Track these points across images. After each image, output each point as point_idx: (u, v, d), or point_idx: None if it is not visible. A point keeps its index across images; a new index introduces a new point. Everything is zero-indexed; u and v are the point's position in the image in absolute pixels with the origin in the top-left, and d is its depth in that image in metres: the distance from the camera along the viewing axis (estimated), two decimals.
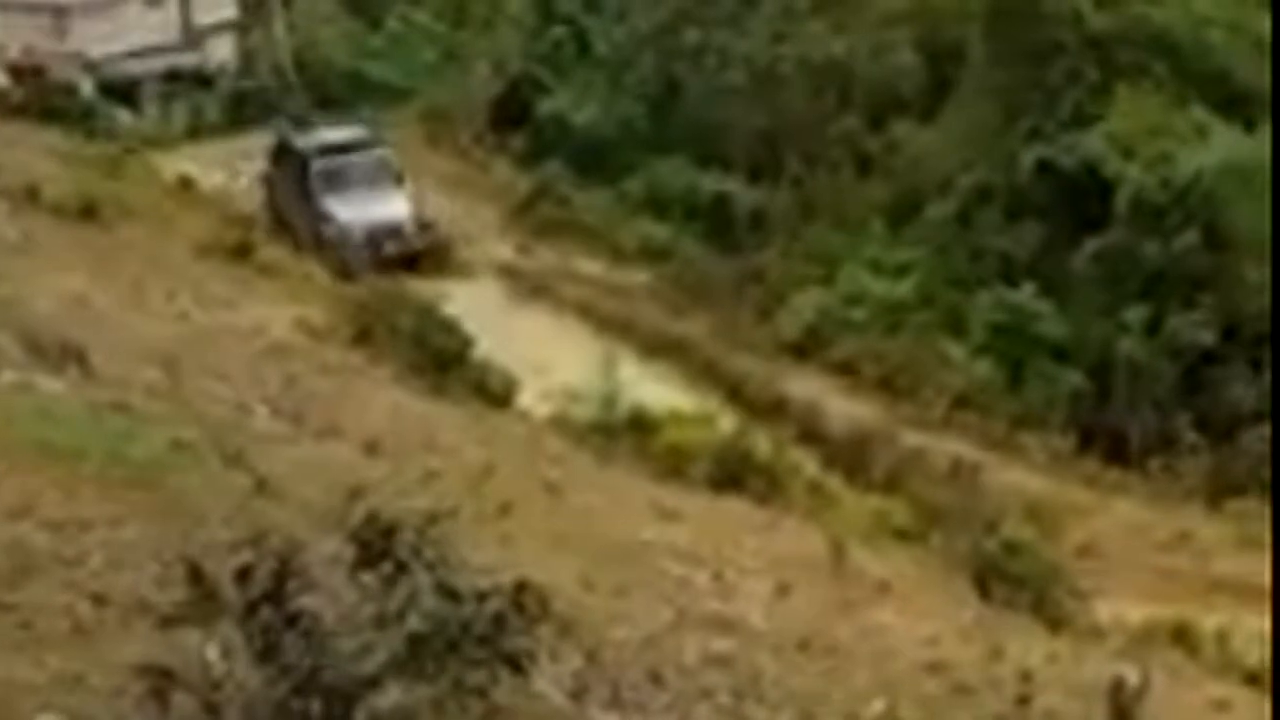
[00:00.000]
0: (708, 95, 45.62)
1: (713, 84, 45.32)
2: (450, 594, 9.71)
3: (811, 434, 35.73)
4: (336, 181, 41.91)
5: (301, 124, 44.94)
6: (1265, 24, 43.13)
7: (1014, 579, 22.83)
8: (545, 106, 48.41)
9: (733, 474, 27.46)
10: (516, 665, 9.80)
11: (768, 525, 23.80)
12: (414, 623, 9.54)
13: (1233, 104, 40.98)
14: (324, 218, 41.51)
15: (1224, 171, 36.48)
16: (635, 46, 47.26)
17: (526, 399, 33.12)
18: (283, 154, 43.58)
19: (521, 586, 10.01)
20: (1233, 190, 36.35)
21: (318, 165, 42.17)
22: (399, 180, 42.71)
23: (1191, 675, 19.55)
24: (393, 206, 41.80)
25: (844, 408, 37.55)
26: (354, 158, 42.70)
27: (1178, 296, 36.71)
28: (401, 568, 9.75)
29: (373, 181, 42.09)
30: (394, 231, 41.40)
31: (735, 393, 37.38)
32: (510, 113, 49.54)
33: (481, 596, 9.82)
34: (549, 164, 46.80)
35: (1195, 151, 37.70)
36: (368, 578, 9.78)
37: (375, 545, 9.79)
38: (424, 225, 42.00)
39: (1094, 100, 40.93)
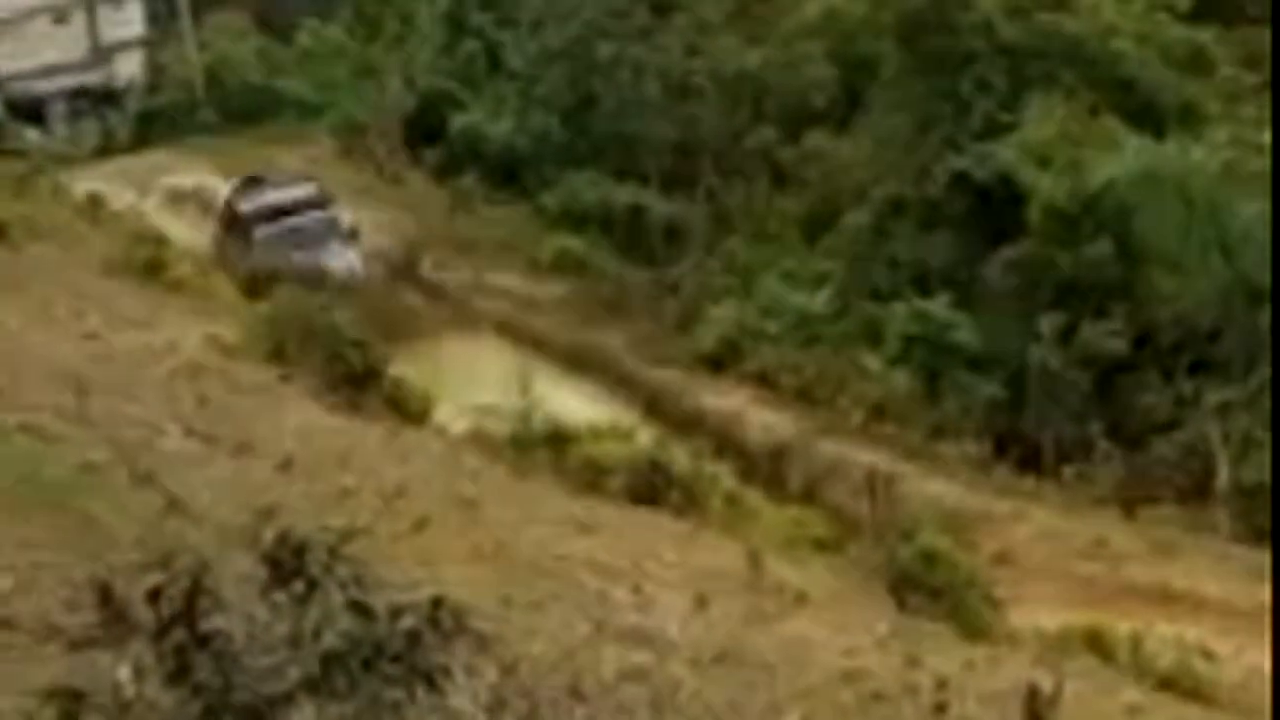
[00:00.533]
0: (622, 108, 45.69)
1: (627, 97, 45.40)
2: (364, 611, 9.63)
3: (729, 446, 35.80)
4: (283, 244, 40.42)
5: (248, 185, 43.34)
6: (1172, 33, 43.65)
7: (931, 588, 22.89)
8: (459, 121, 48.35)
9: (650, 487, 27.37)
10: (432, 682, 9.73)
11: (686, 538, 23.75)
12: (328, 641, 9.45)
13: (1142, 113, 41.38)
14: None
15: (1135, 181, 36.82)
16: (548, 60, 47.27)
17: (443, 414, 33.02)
18: (230, 217, 42.50)
19: (436, 602, 9.94)
20: (1143, 199, 36.69)
21: (261, 232, 41.06)
22: (349, 237, 41.72)
23: (1106, 681, 19.65)
24: (342, 264, 40.47)
25: (761, 419, 37.66)
26: (300, 219, 41.63)
27: (1090, 305, 37.03)
28: (314, 586, 9.66)
29: (321, 241, 40.90)
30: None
31: (653, 405, 37.42)
32: (424, 127, 49.44)
33: (396, 613, 9.74)
34: (463, 178, 46.73)
35: (1106, 161, 38.03)
36: (280, 596, 9.68)
37: (287, 564, 9.70)
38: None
39: (1006, 110, 41.25)
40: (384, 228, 45.98)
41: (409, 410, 33.49)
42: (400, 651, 9.57)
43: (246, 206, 42.23)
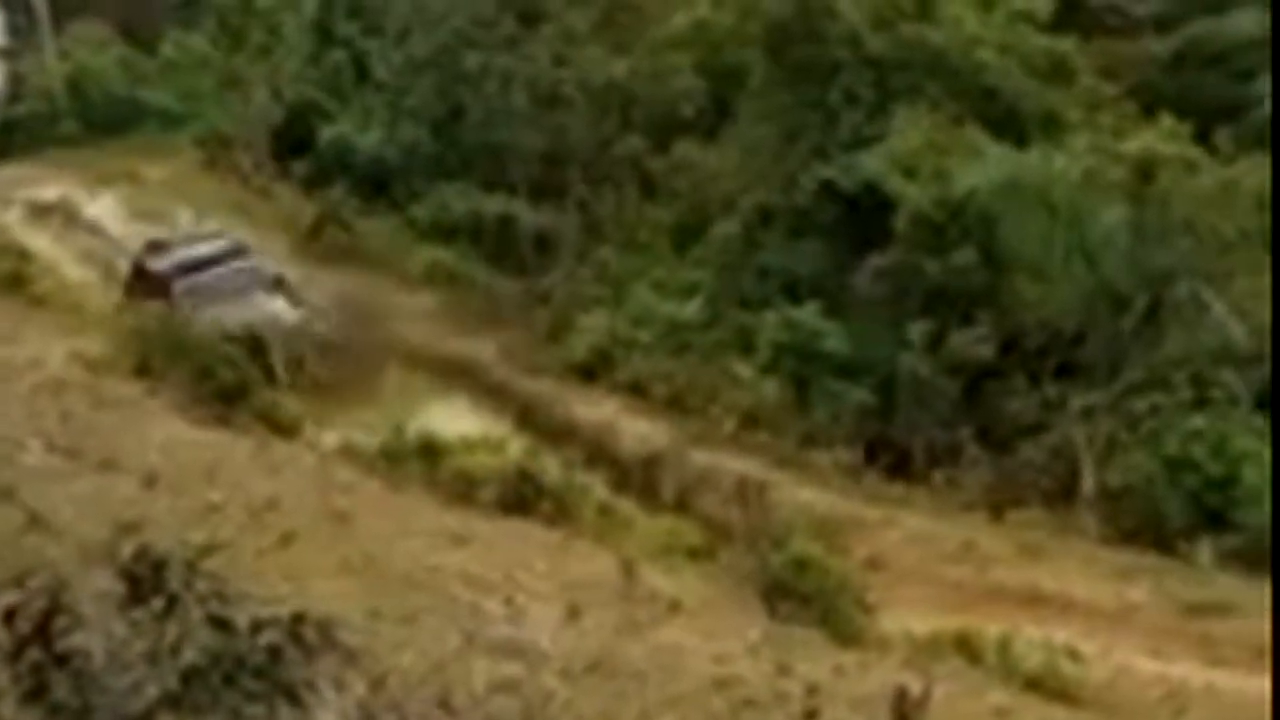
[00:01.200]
0: (490, 118, 45.55)
1: (495, 107, 45.26)
2: (224, 626, 9.53)
3: (602, 455, 35.85)
4: (205, 297, 38.29)
5: (155, 247, 40.97)
6: (1034, 44, 44.18)
7: (802, 594, 23.06)
8: (327, 132, 48.01)
9: (523, 498, 27.41)
10: (294, 697, 9.64)
11: (558, 548, 23.78)
12: (187, 657, 9.35)
13: (1005, 122, 41.83)
14: None
15: (998, 189, 37.21)
16: (415, 70, 47.02)
17: (315, 427, 32.83)
18: (141, 278, 40.02)
19: (299, 617, 9.85)
20: (1007, 207, 37.08)
21: (180, 286, 38.74)
22: (274, 286, 39.67)
23: (974, 683, 19.86)
24: (268, 312, 38.43)
25: (634, 428, 37.73)
26: (219, 270, 39.60)
27: (957, 312, 37.35)
28: (174, 601, 9.55)
29: (244, 293, 38.83)
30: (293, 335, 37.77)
31: (525, 416, 37.39)
32: (292, 138, 49.05)
33: (257, 628, 9.65)
34: (333, 190, 46.43)
35: (970, 170, 38.41)
36: (139, 613, 9.56)
37: (146, 580, 9.58)
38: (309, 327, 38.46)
39: (872, 120, 41.56)
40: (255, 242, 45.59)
41: (280, 423, 33.31)
42: (262, 666, 9.48)
43: (159, 264, 39.99)
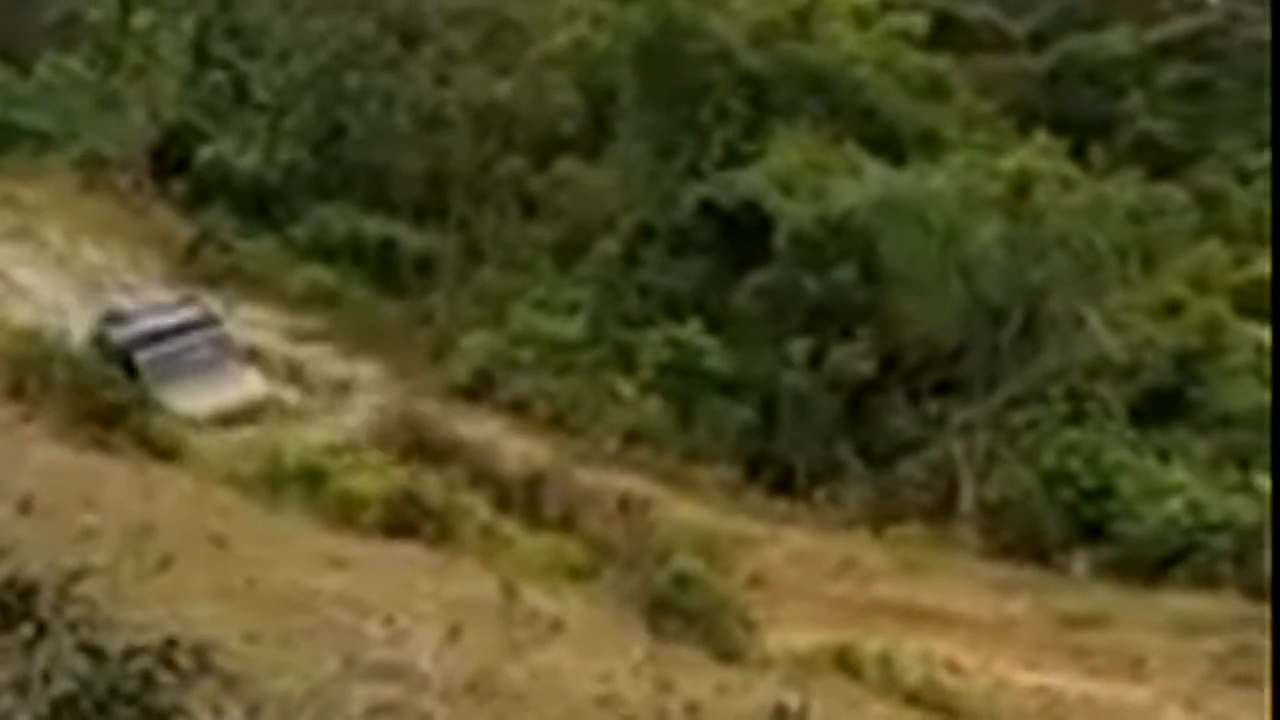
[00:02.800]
0: (371, 139, 45.37)
1: (376, 128, 45.08)
2: (95, 653, 9.42)
3: (485, 475, 35.74)
4: (172, 370, 36.30)
5: (114, 316, 38.27)
6: (911, 62, 44.65)
7: (685, 612, 23.11)
8: (205, 153, 47.60)
9: (405, 520, 27.27)
10: None
11: (440, 569, 23.67)
12: (58, 685, 9.23)
13: (884, 140, 42.25)
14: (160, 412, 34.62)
15: (876, 207, 37.55)
16: (296, 91, 46.74)
17: (196, 451, 32.52)
18: (100, 350, 36.78)
19: (171, 642, 9.76)
20: (885, 224, 37.43)
21: (144, 357, 36.44)
22: (247, 358, 37.98)
23: (855, 697, 19.99)
24: (243, 387, 36.65)
25: (517, 447, 37.66)
26: (186, 340, 37.26)
27: (837, 329, 37.63)
28: (43, 629, 9.43)
29: (212, 366, 36.88)
30: (251, 414, 35.72)
31: (409, 437, 37.19)
32: (170, 159, 48.59)
33: (129, 654, 9.54)
34: (211, 211, 46.04)
35: (849, 188, 38.74)
36: (7, 640, 9.43)
37: (14, 607, 9.46)
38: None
39: (749, 138, 41.81)
40: (132, 263, 45.17)
41: (159, 447, 32.95)
42: (134, 693, 9.38)
43: (119, 335, 37.15)
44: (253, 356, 37.98)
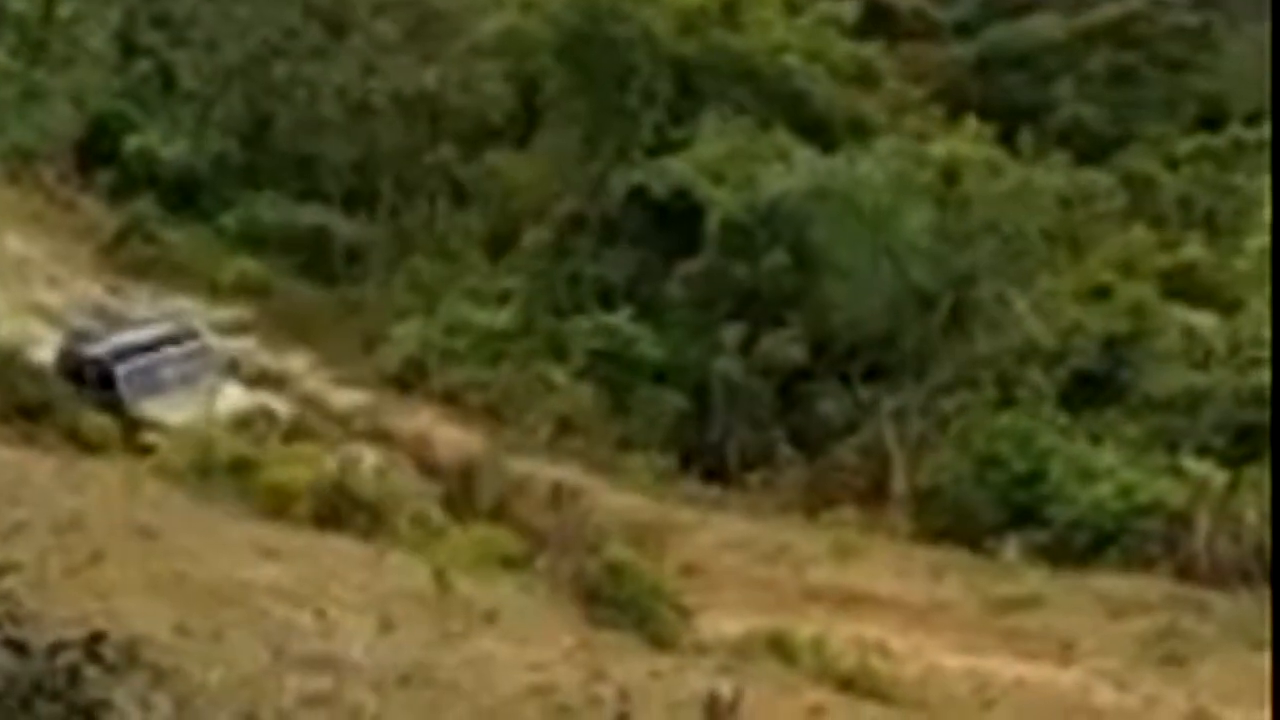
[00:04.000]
0: (300, 128, 45.12)
1: (304, 117, 44.83)
2: (20, 649, 9.34)
3: (418, 465, 35.67)
4: (152, 383, 34.88)
5: (84, 336, 36.69)
6: (840, 49, 44.79)
7: (618, 600, 23.13)
8: (132, 143, 47.24)
9: (337, 511, 27.18)
10: (94, 718, 9.48)
11: (372, 561, 23.62)
12: None
13: (814, 127, 42.35)
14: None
15: (806, 193, 37.60)
16: (223, 80, 46.42)
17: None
18: (73, 367, 35.56)
19: (97, 636, 9.69)
20: (815, 211, 37.48)
21: (123, 369, 34.97)
22: (228, 370, 36.80)
23: (789, 683, 20.05)
24: (227, 400, 34.85)
25: (450, 437, 37.60)
26: (166, 352, 35.74)
27: (768, 315, 37.71)
28: None
29: (192, 379, 35.24)
30: (239, 425, 33.36)
31: (341, 427, 37.08)
32: (97, 151, 48.22)
33: (55, 650, 9.47)
34: (139, 201, 45.71)
35: (779, 174, 38.80)
36: None
37: None
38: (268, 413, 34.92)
39: (676, 124, 41.84)
40: (59, 255, 44.81)
41: (87, 441, 32.71)
42: (60, 689, 9.30)
43: (96, 350, 35.61)
44: (233, 368, 36.86)
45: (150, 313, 39.07)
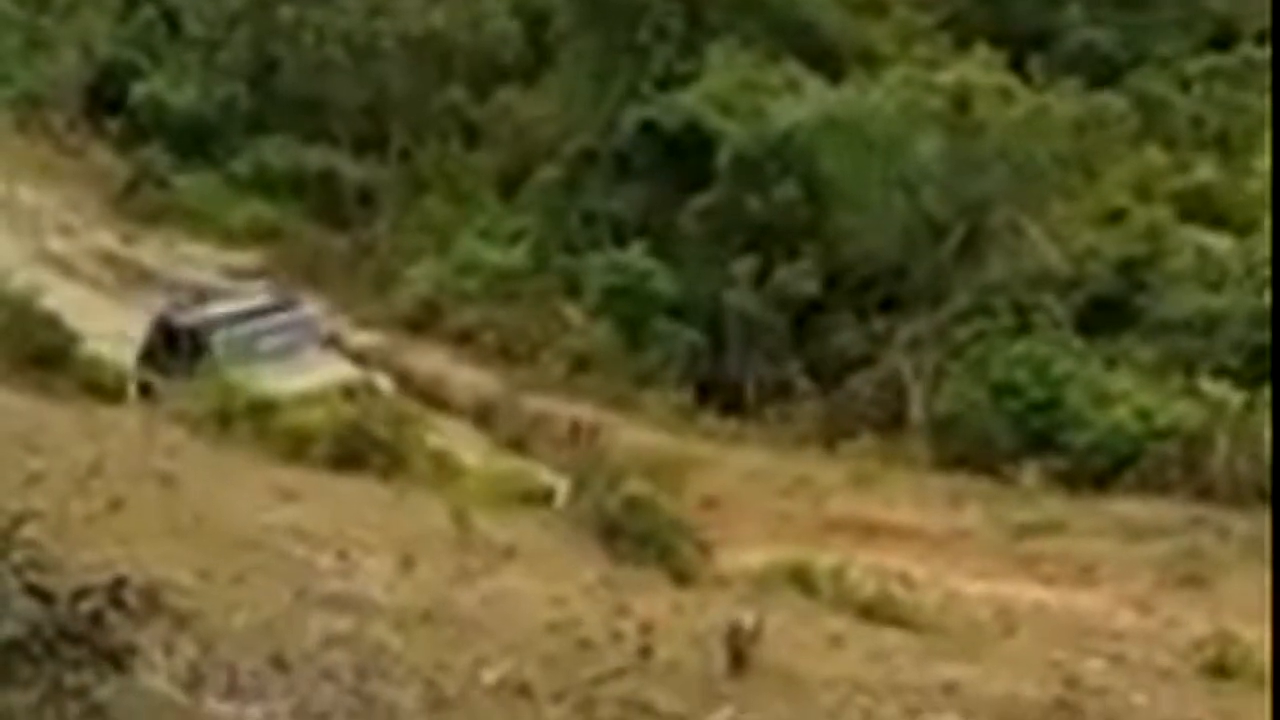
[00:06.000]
0: (307, 72, 45.04)
1: (311, 60, 44.73)
2: (43, 596, 9.40)
3: (435, 405, 35.76)
4: (249, 353, 33.59)
5: (178, 306, 35.97)
6: None
7: (638, 535, 23.16)
8: (140, 90, 47.25)
9: (355, 452, 27.26)
10: (119, 663, 9.54)
11: (391, 501, 23.71)
12: (6, 629, 9.20)
13: (822, 57, 42.16)
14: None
15: (816, 124, 37.46)
16: (228, 24, 46.38)
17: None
18: (166, 337, 34.73)
19: (119, 582, 9.74)
20: (825, 142, 37.33)
21: (220, 338, 33.98)
22: (329, 342, 35.88)
23: (809, 613, 20.08)
24: (328, 370, 33.73)
25: (466, 377, 37.68)
26: (263, 322, 34.70)
27: (782, 248, 37.61)
28: None
29: (292, 351, 34.13)
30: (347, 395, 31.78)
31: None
32: (105, 98, 48.25)
33: (78, 596, 9.53)
34: (148, 148, 45.75)
35: (788, 106, 38.65)
36: None
37: None
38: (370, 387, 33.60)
39: (685, 58, 41.67)
40: (70, 203, 44.88)
41: (104, 389, 32.80)
42: (83, 634, 9.36)
43: (190, 319, 34.79)
44: (333, 341, 36.04)
45: (248, 284, 38.03)
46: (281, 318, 34.99)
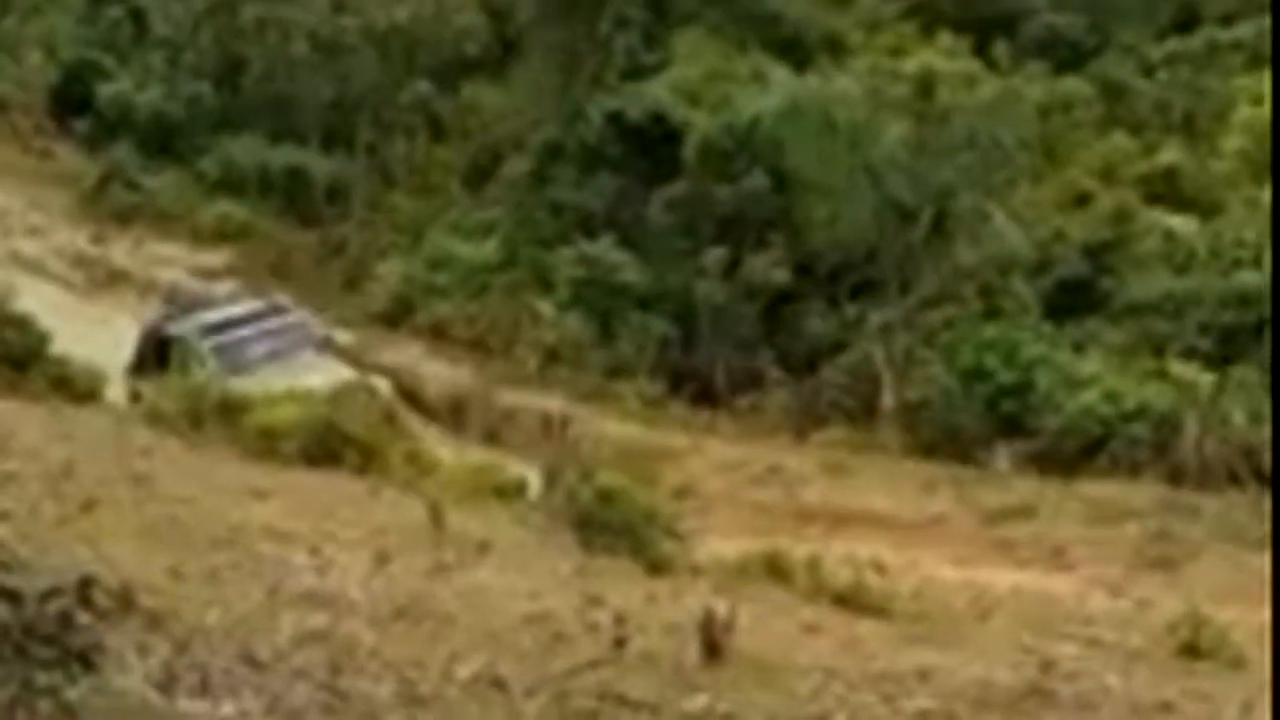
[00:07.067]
0: (273, 69, 44.98)
1: (277, 57, 44.65)
2: (11, 596, 9.39)
3: (409, 400, 35.73)
4: (242, 357, 33.55)
5: (168, 315, 35.61)
6: None
7: (612, 526, 23.15)
8: (106, 90, 47.10)
9: (329, 448, 27.19)
10: (88, 662, 9.54)
11: (365, 496, 23.67)
12: None
13: (788, 47, 42.22)
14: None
15: (782, 113, 37.51)
16: (194, 24, 46.27)
17: (116, 392, 32.32)
18: (157, 346, 34.51)
19: (88, 582, 9.74)
20: (793, 131, 37.38)
21: (209, 346, 33.82)
22: (323, 346, 35.50)
23: (784, 603, 20.13)
24: (323, 374, 33.36)
25: (439, 372, 37.67)
26: (254, 330, 34.52)
27: (751, 237, 37.70)
28: None
29: (285, 355, 34.00)
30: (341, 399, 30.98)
31: None
32: (71, 99, 48.09)
33: (46, 596, 9.52)
34: (116, 148, 45.61)
35: (754, 95, 38.71)
36: None
37: None
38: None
39: (652, 50, 41.70)
40: (38, 204, 44.74)
41: (75, 389, 32.67)
42: (53, 634, 9.36)
43: (181, 327, 34.46)
44: (327, 344, 35.70)
45: (234, 289, 37.69)
46: (273, 323, 34.86)
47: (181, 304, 36.34)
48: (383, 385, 34.55)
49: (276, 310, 35.53)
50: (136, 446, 25.23)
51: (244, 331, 34.25)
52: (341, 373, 34.01)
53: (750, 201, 37.66)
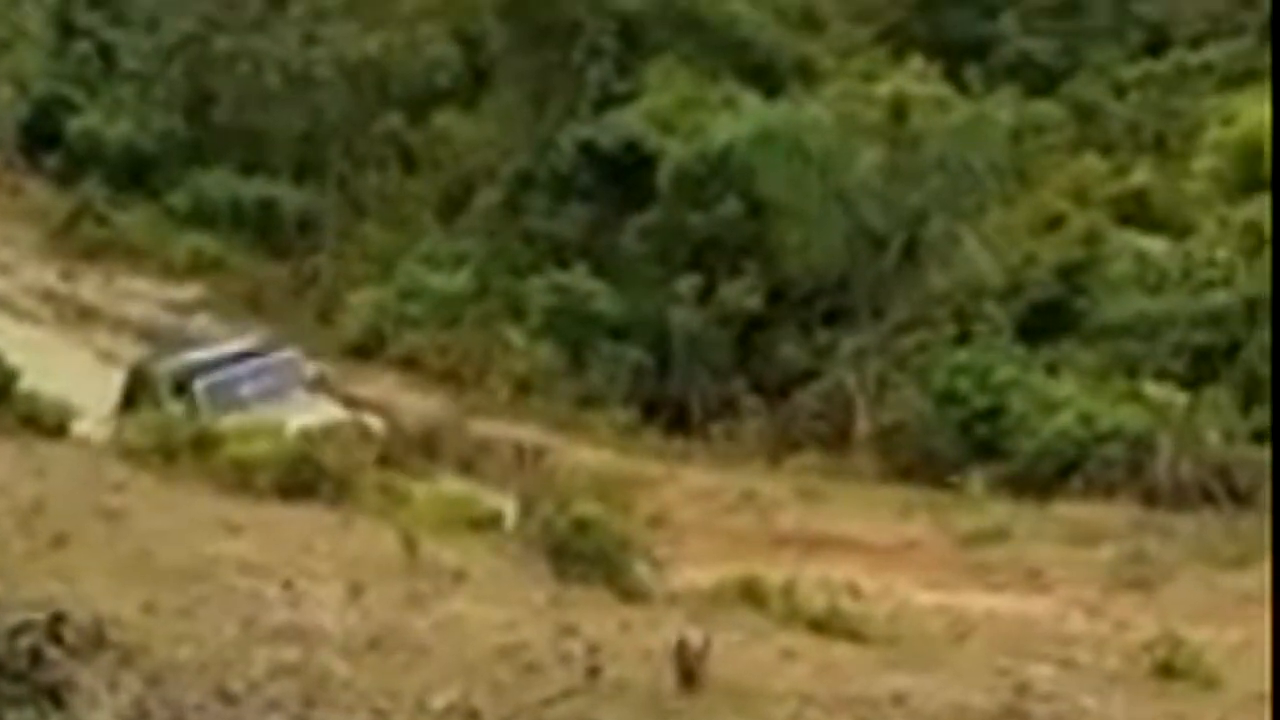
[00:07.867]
0: (244, 102, 44.93)
1: (248, 90, 44.61)
2: None
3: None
4: (233, 396, 33.45)
5: (156, 354, 35.82)
6: None
7: (586, 555, 23.09)
8: (76, 125, 47.01)
9: (302, 481, 27.12)
10: (57, 699, 9.48)
11: (339, 528, 23.60)
12: None
13: (760, 73, 42.31)
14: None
15: (754, 140, 37.58)
16: (164, 57, 46.22)
17: (86, 426, 32.19)
18: (143, 385, 34.34)
19: (58, 618, 9.69)
20: (764, 158, 37.46)
21: (201, 384, 33.66)
22: (315, 385, 35.40)
23: (760, 629, 20.08)
24: (314, 413, 33.15)
25: (411, 403, 37.59)
26: (245, 368, 34.40)
27: (724, 265, 37.76)
28: None
29: (278, 394, 33.87)
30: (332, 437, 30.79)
31: None
32: (41, 134, 48.00)
33: (16, 632, 9.46)
34: (86, 183, 45.53)
35: (727, 123, 38.79)
36: None
37: None
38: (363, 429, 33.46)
39: (624, 78, 41.76)
40: (8, 240, 44.64)
41: (44, 425, 32.53)
42: (23, 671, 9.30)
43: (171, 366, 34.53)
44: (320, 383, 35.61)
45: (225, 330, 37.64)
46: (263, 362, 34.73)
47: (171, 343, 36.52)
48: (375, 424, 34.46)
49: (266, 349, 35.39)
50: (109, 482, 25.16)
51: (233, 371, 34.12)
52: (333, 411, 33.89)
53: (723, 228, 37.71)
